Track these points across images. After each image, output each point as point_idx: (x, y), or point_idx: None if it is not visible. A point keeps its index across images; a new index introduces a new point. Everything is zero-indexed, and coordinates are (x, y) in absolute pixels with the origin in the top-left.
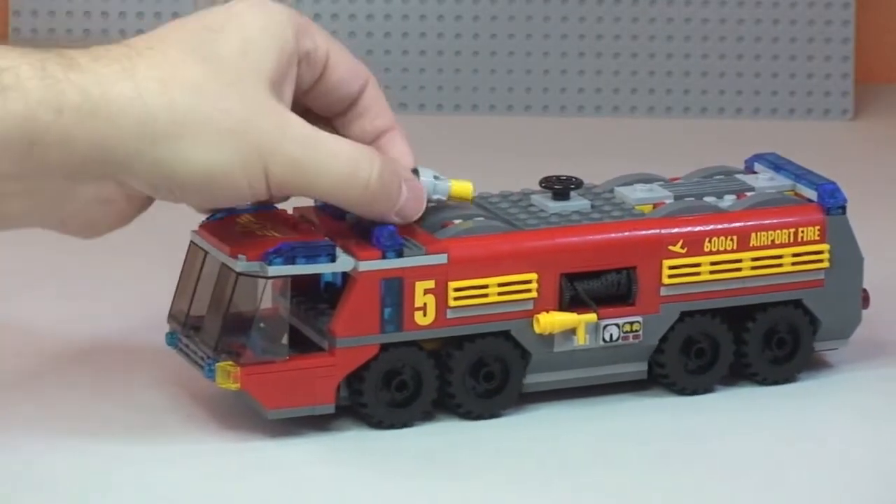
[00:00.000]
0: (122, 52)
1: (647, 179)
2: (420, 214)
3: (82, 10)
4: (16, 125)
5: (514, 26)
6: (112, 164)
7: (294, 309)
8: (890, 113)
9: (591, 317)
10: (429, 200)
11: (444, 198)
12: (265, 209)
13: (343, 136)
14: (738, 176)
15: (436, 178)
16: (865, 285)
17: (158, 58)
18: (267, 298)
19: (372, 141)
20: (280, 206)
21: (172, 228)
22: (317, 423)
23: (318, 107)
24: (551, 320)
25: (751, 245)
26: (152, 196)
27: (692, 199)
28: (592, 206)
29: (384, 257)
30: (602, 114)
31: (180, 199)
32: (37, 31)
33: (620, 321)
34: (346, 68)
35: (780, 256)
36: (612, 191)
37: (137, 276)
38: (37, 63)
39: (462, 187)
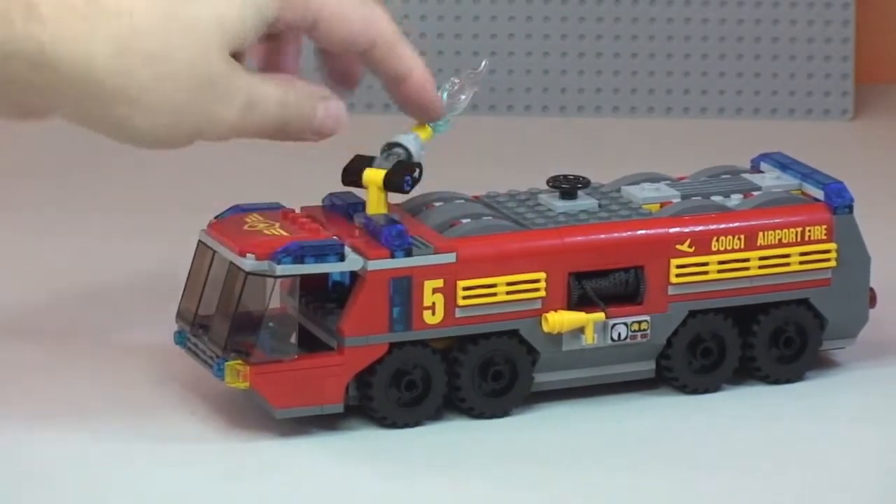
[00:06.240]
0: (89, 11)
1: (653, 179)
2: (339, 131)
3: None
4: None
5: (513, 26)
6: (52, 109)
7: (302, 308)
8: (890, 113)
9: (600, 316)
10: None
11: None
12: (273, 209)
13: None
14: (745, 175)
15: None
16: (872, 284)
17: (125, 29)
18: (275, 297)
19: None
20: (287, 205)
21: (180, 227)
22: (325, 423)
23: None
24: (560, 319)
25: (758, 244)
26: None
27: (699, 198)
28: (600, 206)
29: (393, 256)
30: (602, 114)
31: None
32: None
33: (628, 320)
34: (338, 36)
35: (787, 255)
36: (619, 190)
37: (145, 275)
38: (1, 6)
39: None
